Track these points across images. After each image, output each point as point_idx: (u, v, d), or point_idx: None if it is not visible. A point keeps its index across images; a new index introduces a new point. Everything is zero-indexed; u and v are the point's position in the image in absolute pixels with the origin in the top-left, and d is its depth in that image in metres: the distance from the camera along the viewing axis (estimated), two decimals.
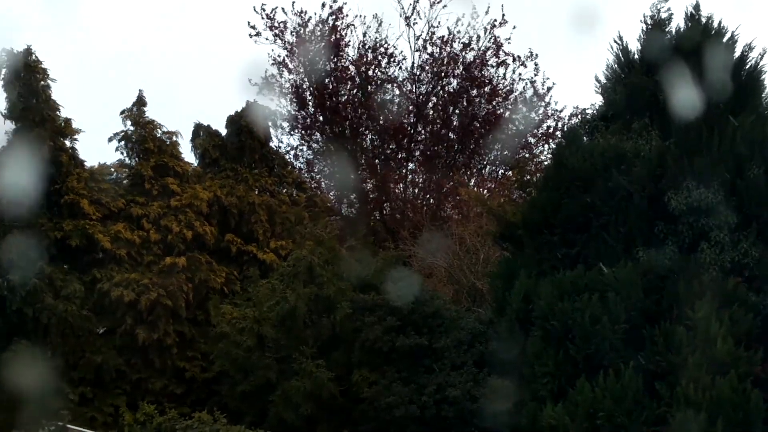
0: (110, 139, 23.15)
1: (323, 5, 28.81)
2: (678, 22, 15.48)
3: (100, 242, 21.11)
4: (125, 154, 23.27)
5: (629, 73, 15.43)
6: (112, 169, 23.33)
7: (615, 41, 15.56)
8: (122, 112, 23.14)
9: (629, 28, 16.07)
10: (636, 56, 15.61)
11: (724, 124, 14.35)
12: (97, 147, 23.80)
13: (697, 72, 14.45)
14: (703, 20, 15.35)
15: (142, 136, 22.98)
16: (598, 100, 16.01)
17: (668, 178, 14.17)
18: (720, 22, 15.35)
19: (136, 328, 20.70)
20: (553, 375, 13.72)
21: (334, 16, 28.80)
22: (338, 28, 28.77)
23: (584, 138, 15.32)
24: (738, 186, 14.12)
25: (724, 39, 15.24)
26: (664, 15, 15.38)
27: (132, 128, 23.11)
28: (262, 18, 29.05)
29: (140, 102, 23.25)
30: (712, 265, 13.55)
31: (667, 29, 15.44)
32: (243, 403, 18.62)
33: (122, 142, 23.11)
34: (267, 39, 29.19)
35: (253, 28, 29.04)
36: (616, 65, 15.66)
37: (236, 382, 18.63)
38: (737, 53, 15.27)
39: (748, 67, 15.21)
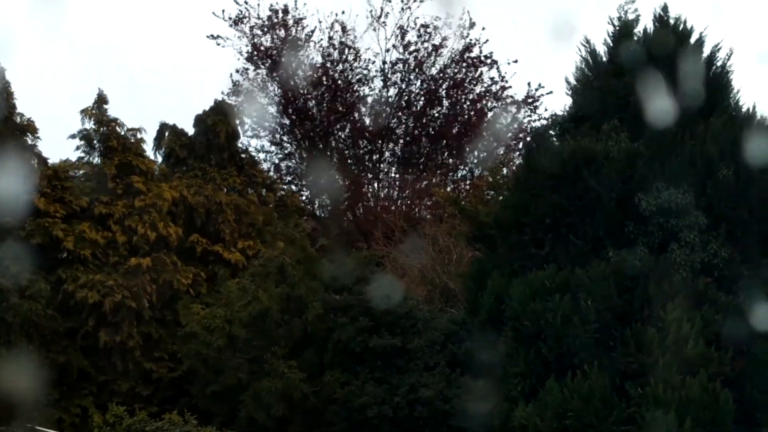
0: (72, 137, 22.89)
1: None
2: (646, 23, 15.66)
3: (64, 242, 20.88)
4: (87, 153, 23.00)
5: (598, 75, 15.52)
6: (76, 167, 23.00)
7: (583, 44, 15.67)
8: (83, 111, 22.86)
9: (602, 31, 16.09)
10: (604, 58, 15.72)
11: (694, 125, 14.51)
12: (65, 144, 23.45)
13: (665, 74, 14.59)
14: (672, 22, 15.50)
15: (105, 134, 22.71)
16: (569, 101, 16.09)
17: (638, 180, 14.31)
18: (686, 22, 15.53)
19: (100, 330, 20.54)
20: (524, 375, 13.81)
21: (283, 14, 28.68)
22: (288, 25, 28.62)
23: (555, 139, 15.41)
24: (708, 187, 14.29)
25: (692, 41, 15.39)
26: (631, 16, 15.51)
27: (94, 126, 22.83)
28: (225, 20, 28.89)
29: (101, 100, 22.91)
30: (683, 265, 13.70)
31: (634, 31, 15.56)
32: (213, 404, 18.49)
33: (83, 141, 22.84)
34: (228, 38, 29.01)
35: (216, 37, 28.87)
36: (585, 67, 15.74)
37: (207, 382, 18.51)
38: (705, 54, 15.42)
39: (715, 68, 15.37)
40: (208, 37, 28.79)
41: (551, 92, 28.77)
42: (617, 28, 15.72)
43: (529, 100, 28.82)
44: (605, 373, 13.30)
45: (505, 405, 14.08)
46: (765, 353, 13.33)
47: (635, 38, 15.64)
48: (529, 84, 28.95)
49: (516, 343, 14.14)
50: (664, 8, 15.61)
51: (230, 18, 28.72)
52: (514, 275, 14.56)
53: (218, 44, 28.92)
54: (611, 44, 15.77)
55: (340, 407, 17.22)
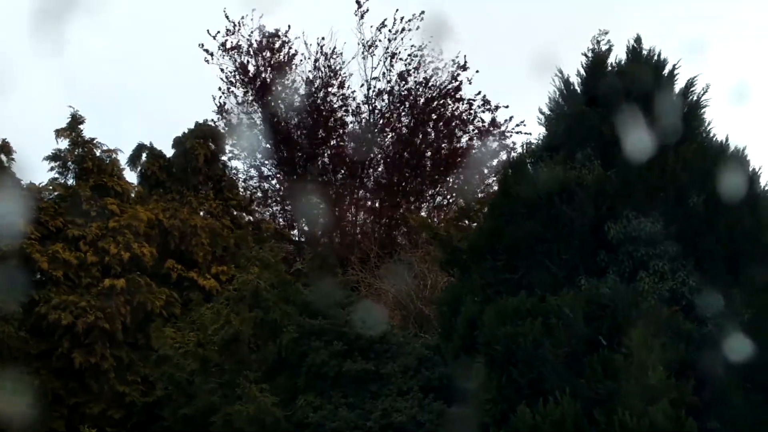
0: (47, 159, 22.83)
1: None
2: (619, 53, 15.86)
3: (38, 262, 20.79)
4: (61, 174, 22.93)
5: (572, 105, 15.71)
6: (51, 188, 22.93)
7: (557, 74, 15.87)
8: (57, 132, 22.80)
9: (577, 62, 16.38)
10: (578, 89, 15.91)
11: (665, 155, 14.70)
12: (40, 165, 23.44)
13: (638, 105, 14.77)
14: (645, 53, 15.72)
15: (80, 155, 22.65)
16: (543, 130, 16.26)
17: (609, 208, 14.48)
18: (659, 55, 15.71)
19: (73, 352, 20.40)
20: (496, 401, 13.83)
21: (272, 38, 28.82)
22: (276, 49, 28.75)
23: (529, 167, 15.57)
24: (677, 216, 14.46)
25: (665, 73, 15.61)
26: (604, 47, 15.73)
27: (69, 147, 22.77)
28: (215, 39, 29.00)
29: (76, 120, 22.90)
30: (651, 293, 13.83)
31: (608, 62, 15.77)
32: (185, 427, 18.40)
33: (57, 162, 22.77)
34: (214, 53, 29.10)
35: (209, 53, 28.95)
36: (558, 97, 15.94)
37: (179, 405, 18.43)
38: (679, 87, 15.64)
39: (690, 101, 15.57)
40: (199, 46, 28.87)
41: (528, 131, 28.86)
42: (590, 58, 15.93)
43: (507, 133, 29.02)
44: (577, 399, 13.37)
45: (479, 431, 14.09)
46: (730, 383, 13.42)
47: (608, 69, 15.85)
48: (510, 118, 29.21)
49: (489, 369, 14.18)
50: (638, 40, 15.82)
51: (222, 45, 28.81)
52: (487, 301, 14.64)
53: (206, 61, 28.93)
54: (585, 75, 15.96)
55: (313, 431, 17.18)
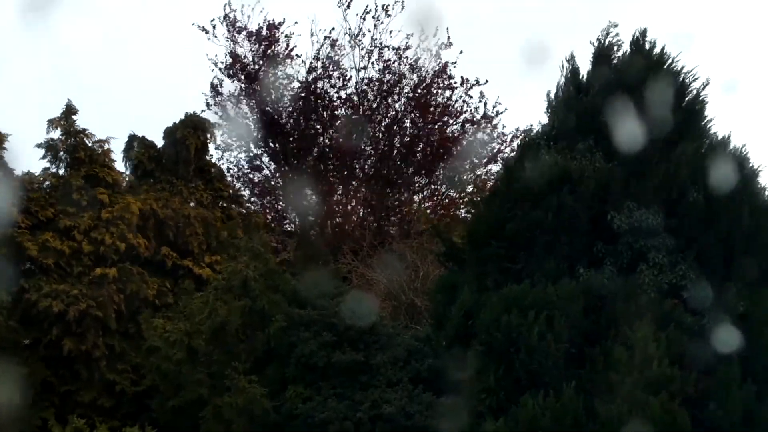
0: (39, 146, 22.59)
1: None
2: (626, 48, 15.85)
3: (28, 250, 20.56)
4: (52, 163, 22.70)
5: (577, 95, 15.70)
6: (42, 178, 22.71)
7: (566, 61, 15.87)
8: (50, 121, 22.59)
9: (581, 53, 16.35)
10: (584, 78, 15.91)
11: (667, 149, 14.71)
12: (29, 154, 23.18)
13: (641, 99, 14.80)
14: (647, 47, 15.73)
15: (72, 145, 22.46)
16: (545, 119, 16.25)
17: (612, 199, 14.45)
18: (661, 48, 15.76)
19: (63, 340, 20.19)
20: (493, 391, 13.76)
21: (270, 31, 28.70)
22: (275, 39, 28.64)
23: (532, 156, 15.52)
24: (678, 210, 14.49)
25: (666, 67, 15.63)
26: (612, 40, 15.73)
27: (61, 137, 22.57)
28: (221, 21, 28.89)
29: (69, 111, 22.68)
30: (650, 286, 13.82)
31: (614, 55, 15.79)
32: (174, 418, 18.24)
33: (49, 152, 22.56)
34: (215, 36, 28.95)
35: (206, 31, 28.84)
36: (564, 86, 15.92)
37: (167, 396, 18.27)
38: (679, 80, 15.66)
39: (689, 96, 15.64)
40: (199, 28, 28.63)
41: (504, 109, 28.89)
42: (597, 51, 15.96)
43: (492, 119, 29.03)
44: (579, 392, 13.32)
45: (471, 421, 14.00)
46: (728, 374, 13.52)
47: (614, 62, 15.84)
48: (494, 108, 29.18)
49: (486, 358, 14.10)
50: (643, 33, 15.87)
51: (225, 17, 28.62)
52: (484, 290, 14.55)
53: (206, 32, 28.68)
54: (591, 66, 15.99)
55: (302, 423, 17.04)
